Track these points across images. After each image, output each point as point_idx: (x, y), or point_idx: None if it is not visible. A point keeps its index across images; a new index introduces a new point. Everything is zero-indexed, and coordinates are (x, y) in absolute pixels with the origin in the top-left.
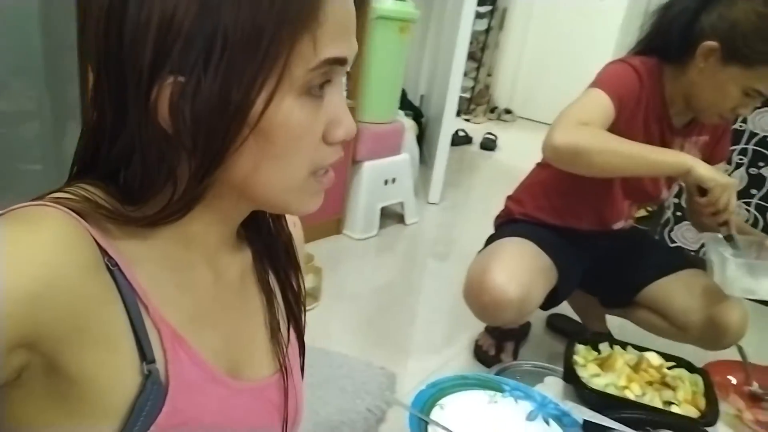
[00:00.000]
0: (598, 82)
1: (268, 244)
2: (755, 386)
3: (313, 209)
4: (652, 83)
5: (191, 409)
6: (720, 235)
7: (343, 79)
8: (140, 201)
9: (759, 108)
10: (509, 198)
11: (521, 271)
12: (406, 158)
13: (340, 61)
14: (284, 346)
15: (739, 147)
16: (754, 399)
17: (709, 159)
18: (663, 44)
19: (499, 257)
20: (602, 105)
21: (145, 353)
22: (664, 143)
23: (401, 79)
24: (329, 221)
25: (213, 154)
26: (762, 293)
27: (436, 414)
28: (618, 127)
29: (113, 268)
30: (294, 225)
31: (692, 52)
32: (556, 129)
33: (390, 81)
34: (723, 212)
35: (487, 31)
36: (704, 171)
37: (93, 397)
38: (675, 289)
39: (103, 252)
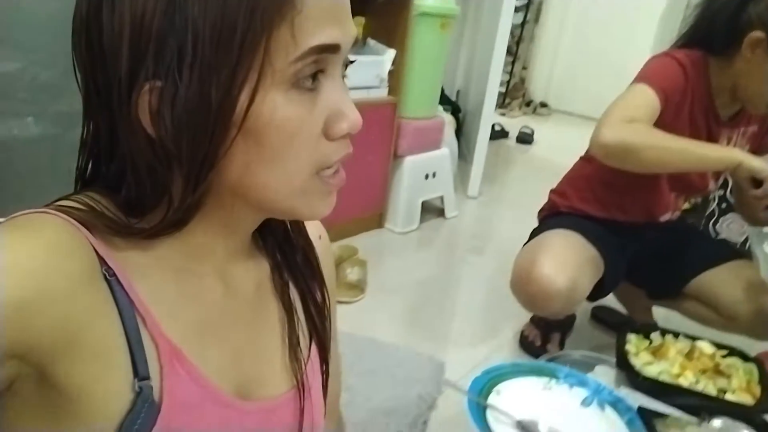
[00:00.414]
0: (643, 77)
1: (286, 254)
2: None
3: (325, 213)
4: (698, 76)
5: (186, 429)
6: (766, 229)
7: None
8: (141, 212)
9: None
10: (553, 191)
11: (568, 261)
12: (446, 153)
13: (329, 48)
14: (303, 363)
15: None
16: None
17: (758, 149)
18: (708, 36)
19: (546, 248)
20: (648, 101)
21: (138, 369)
22: (711, 136)
23: (442, 74)
24: (371, 215)
25: (201, 160)
26: None
27: (493, 399)
28: (664, 121)
29: (110, 279)
30: (319, 237)
31: (738, 43)
32: (604, 126)
33: (431, 77)
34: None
35: (523, 24)
36: (756, 163)
37: (82, 412)
38: (723, 280)
39: (102, 262)
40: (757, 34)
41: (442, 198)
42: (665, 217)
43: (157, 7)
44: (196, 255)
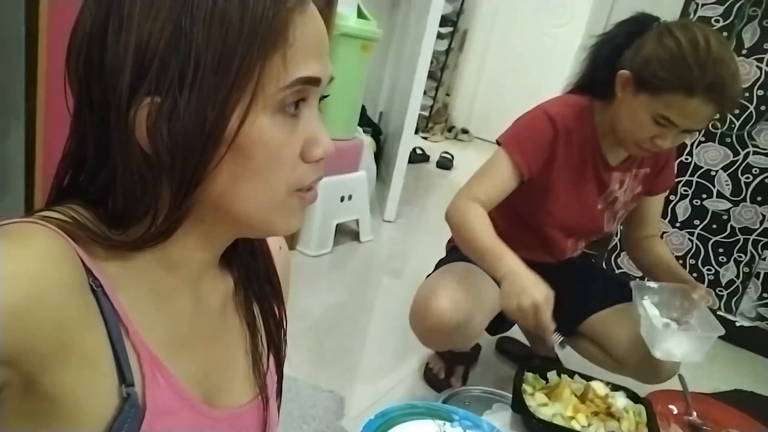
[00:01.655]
0: (508, 141)
1: (249, 271)
2: (694, 416)
3: (296, 228)
4: (581, 124)
5: None
6: (646, 282)
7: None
8: (125, 225)
9: (703, 142)
10: None
11: (465, 296)
12: (363, 176)
13: (312, 81)
14: (263, 374)
15: (684, 179)
16: (693, 428)
17: (652, 190)
18: (592, 80)
19: (444, 283)
20: (502, 174)
21: (124, 375)
22: (600, 180)
23: (361, 96)
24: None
25: (191, 172)
26: (679, 358)
27: None
28: (536, 183)
29: (97, 289)
30: (280, 248)
31: (614, 85)
32: (453, 200)
33: (350, 98)
34: (539, 331)
35: (448, 51)
36: (506, 287)
37: (70, 418)
38: (613, 323)
39: (88, 272)
40: (623, 72)
41: (357, 221)
42: (566, 257)
43: (164, 31)
44: (173, 268)
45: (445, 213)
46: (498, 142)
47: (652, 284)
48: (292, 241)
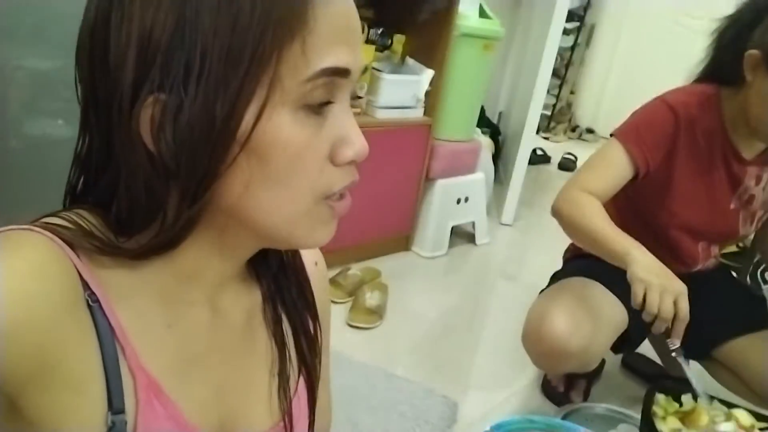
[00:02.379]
0: (625, 133)
1: (281, 284)
2: None
3: (324, 241)
4: (707, 113)
5: None
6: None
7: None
8: (132, 231)
9: None
10: None
11: (584, 317)
12: (480, 178)
13: (340, 72)
14: (289, 399)
15: None
16: None
17: None
18: (719, 66)
19: (561, 301)
20: (616, 164)
21: (113, 401)
22: (733, 176)
23: (482, 97)
24: (398, 237)
25: (200, 176)
26: None
27: None
28: (654, 177)
29: (93, 305)
30: (315, 264)
31: (743, 68)
32: (560, 192)
33: (470, 99)
34: (660, 319)
35: (573, 47)
36: (635, 271)
37: None
38: (753, 352)
39: (85, 286)
40: (752, 52)
41: (473, 224)
42: (697, 267)
43: (167, 20)
44: (185, 279)
45: (553, 206)
46: (613, 135)
47: (681, 355)
48: (407, 242)
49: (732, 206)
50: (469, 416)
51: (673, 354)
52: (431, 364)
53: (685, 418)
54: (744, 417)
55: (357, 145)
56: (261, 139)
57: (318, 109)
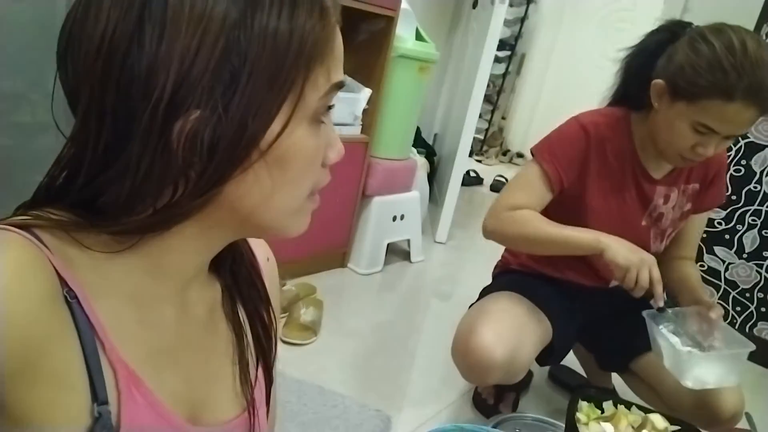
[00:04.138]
0: (540, 150)
1: (235, 277)
2: None
3: (304, 229)
4: (617, 134)
5: None
6: (668, 311)
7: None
8: (113, 222)
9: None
10: (506, 249)
11: (510, 330)
12: (416, 196)
13: (341, 86)
14: (252, 386)
15: (752, 208)
16: None
17: (700, 207)
18: (626, 92)
19: (488, 315)
20: (535, 185)
21: (97, 394)
22: (643, 195)
23: (417, 117)
24: (334, 254)
25: (216, 178)
26: (713, 384)
27: None
28: (570, 192)
29: (72, 301)
30: (267, 260)
31: (649, 96)
32: (488, 214)
33: (406, 119)
34: (636, 289)
35: (505, 75)
36: (613, 255)
37: None
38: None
39: (63, 283)
40: (657, 81)
41: (408, 241)
42: (614, 283)
43: (217, 45)
44: (160, 276)
45: (487, 228)
46: (532, 152)
47: (668, 311)
48: (343, 259)
49: (643, 223)
50: (402, 430)
51: (658, 311)
52: (365, 380)
53: (606, 422)
54: (659, 420)
55: (338, 147)
56: (282, 148)
57: (323, 119)
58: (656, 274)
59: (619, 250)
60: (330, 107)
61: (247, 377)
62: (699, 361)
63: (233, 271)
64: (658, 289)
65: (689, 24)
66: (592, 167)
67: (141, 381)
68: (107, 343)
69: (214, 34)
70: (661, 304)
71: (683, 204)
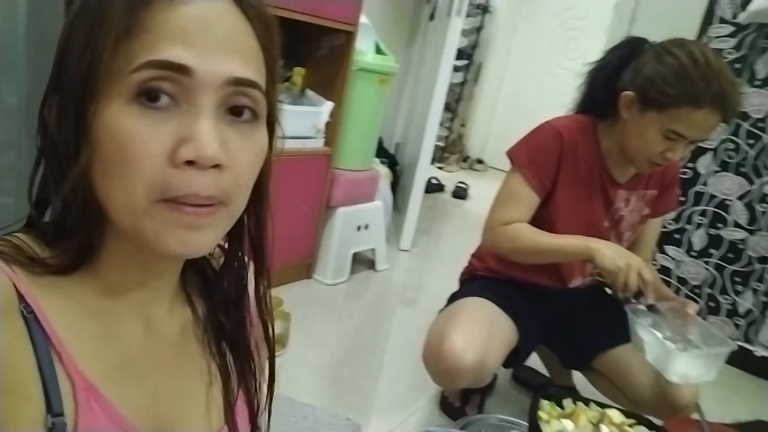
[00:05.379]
0: (519, 158)
1: (216, 301)
2: None
3: (180, 249)
4: (586, 139)
5: None
6: (640, 306)
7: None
8: (59, 245)
9: (718, 171)
10: (473, 255)
11: (480, 335)
12: (379, 205)
13: (173, 67)
14: (231, 409)
15: (699, 208)
16: None
17: (657, 212)
18: (592, 102)
19: (458, 321)
20: (522, 195)
21: (52, 405)
22: (608, 197)
23: (378, 128)
24: (300, 265)
25: (65, 165)
26: (694, 379)
27: None
28: (554, 194)
29: (28, 316)
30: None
31: (617, 106)
32: (485, 231)
33: (368, 130)
34: (627, 290)
35: (463, 83)
36: (602, 260)
37: None
38: (628, 361)
39: (21, 298)
40: (627, 93)
41: (373, 250)
42: (575, 283)
43: (62, 32)
44: (112, 294)
45: (489, 245)
46: (509, 156)
47: (655, 307)
48: (309, 270)
49: (605, 224)
50: None
51: (648, 309)
52: (334, 390)
53: (566, 419)
54: (616, 415)
55: (196, 143)
56: (98, 130)
57: (153, 103)
58: (646, 275)
59: (609, 255)
60: (160, 89)
61: (227, 400)
62: (684, 357)
63: (218, 301)
64: (648, 290)
65: (646, 40)
66: (564, 170)
67: (100, 393)
68: (65, 356)
69: (65, 24)
70: (651, 302)
71: (642, 208)
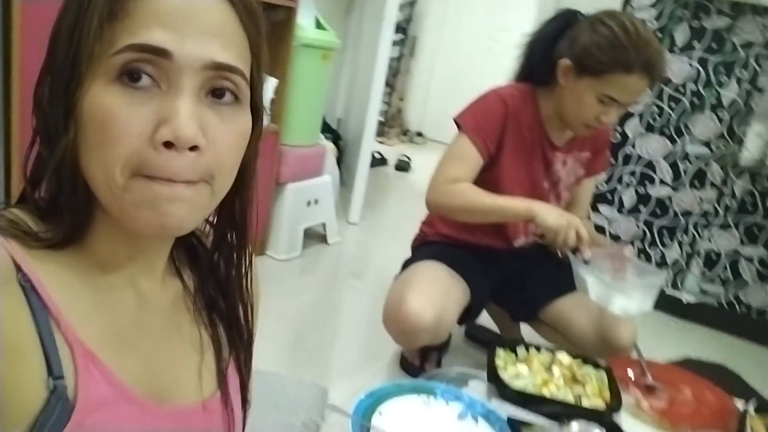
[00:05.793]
0: (467, 122)
1: (209, 278)
2: (650, 379)
3: (155, 225)
4: (527, 106)
5: (100, 426)
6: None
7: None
8: (51, 221)
9: (644, 134)
10: (422, 222)
11: (435, 295)
12: (328, 180)
13: (153, 50)
14: (224, 376)
15: (628, 168)
16: (649, 390)
17: (591, 172)
18: (531, 71)
19: (414, 284)
20: (469, 156)
21: (52, 368)
22: (547, 160)
23: (323, 103)
24: (252, 242)
25: (54, 144)
26: (634, 309)
27: (376, 420)
28: (497, 156)
29: (25, 284)
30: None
31: (554, 74)
32: (429, 189)
33: (312, 106)
34: (567, 247)
35: (399, 58)
36: (543, 220)
37: None
38: (570, 310)
39: (18, 269)
40: (564, 61)
41: (324, 225)
42: (519, 242)
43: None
44: (104, 267)
45: (430, 202)
46: (456, 122)
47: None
48: (261, 247)
49: (545, 185)
50: (339, 399)
51: (585, 262)
52: (298, 360)
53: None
54: (564, 357)
55: (175, 125)
56: (83, 109)
57: (134, 84)
58: (583, 232)
59: (549, 215)
60: (141, 71)
61: (219, 366)
62: (623, 291)
63: (207, 273)
64: (585, 245)
65: (579, 12)
66: (508, 135)
67: (98, 359)
68: (62, 323)
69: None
70: (588, 257)
71: (577, 169)
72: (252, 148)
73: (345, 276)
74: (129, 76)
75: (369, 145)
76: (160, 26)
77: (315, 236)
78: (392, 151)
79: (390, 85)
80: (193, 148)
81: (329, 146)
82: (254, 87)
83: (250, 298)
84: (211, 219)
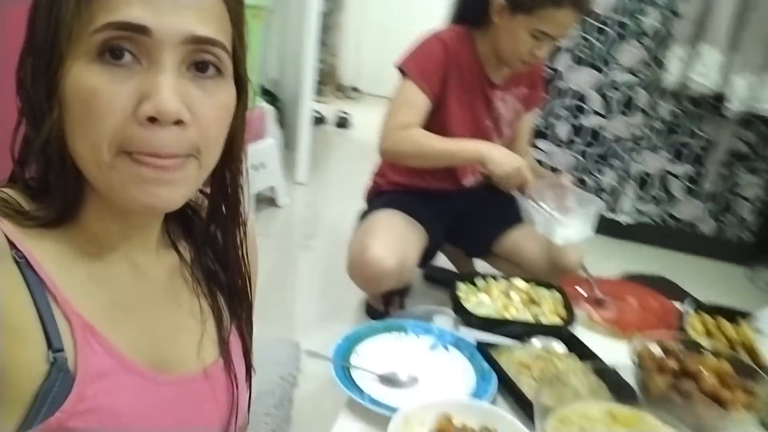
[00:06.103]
0: (409, 67)
1: (205, 249)
2: (599, 294)
3: (144, 201)
4: (465, 48)
5: (101, 397)
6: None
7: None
8: (42, 200)
9: (574, 65)
10: (374, 174)
11: (395, 241)
12: (271, 143)
13: (132, 27)
14: (226, 343)
15: (561, 101)
16: (599, 303)
17: (529, 107)
18: (466, 13)
19: (374, 232)
20: (416, 101)
21: (52, 342)
22: (488, 98)
23: (257, 65)
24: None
25: (38, 124)
26: (576, 238)
27: (354, 360)
28: (441, 98)
29: (20, 260)
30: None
31: (489, 14)
32: (382, 137)
33: (248, 68)
34: (512, 187)
35: (328, 13)
36: (491, 163)
37: None
38: (521, 241)
39: (12, 246)
40: (499, 1)
41: (273, 188)
42: (469, 181)
43: None
44: (97, 241)
45: (384, 149)
46: (399, 68)
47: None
48: None
49: (487, 123)
50: (312, 349)
51: (531, 201)
52: (265, 319)
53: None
54: (520, 283)
55: (156, 100)
56: (64, 89)
57: (116, 61)
58: (526, 174)
59: (497, 157)
60: (124, 48)
61: (220, 334)
62: (564, 221)
63: (203, 244)
64: (529, 185)
65: None
66: (450, 77)
67: (96, 331)
68: (60, 297)
69: None
70: (531, 195)
71: (516, 105)
72: (239, 120)
73: (299, 236)
74: (110, 53)
75: (308, 104)
76: (137, 2)
77: (265, 200)
78: (330, 109)
79: (321, 42)
80: (178, 123)
81: (268, 108)
82: (237, 58)
83: (247, 267)
84: (205, 189)
